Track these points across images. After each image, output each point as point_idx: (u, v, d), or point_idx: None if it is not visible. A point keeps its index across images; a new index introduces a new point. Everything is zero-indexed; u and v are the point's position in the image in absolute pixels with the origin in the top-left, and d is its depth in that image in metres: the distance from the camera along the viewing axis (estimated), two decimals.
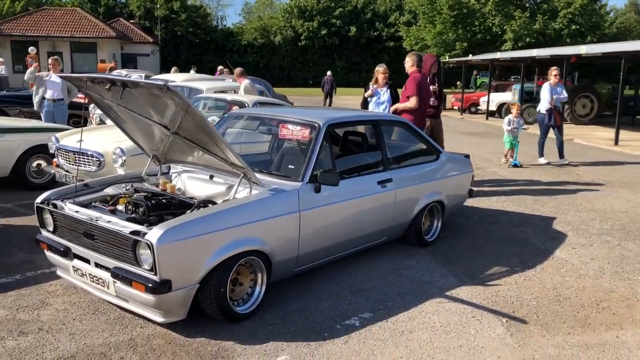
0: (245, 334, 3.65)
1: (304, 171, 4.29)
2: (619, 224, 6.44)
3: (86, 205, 4.14)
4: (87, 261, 3.84)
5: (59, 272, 4.28)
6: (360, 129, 5.33)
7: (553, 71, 10.47)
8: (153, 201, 4.02)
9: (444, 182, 5.67)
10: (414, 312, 4.05)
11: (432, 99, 7.79)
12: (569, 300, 4.34)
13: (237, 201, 3.88)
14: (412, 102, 6.85)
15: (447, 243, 5.69)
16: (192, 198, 4.28)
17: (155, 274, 3.37)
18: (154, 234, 3.35)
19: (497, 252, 5.43)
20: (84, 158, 6.24)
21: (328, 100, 25.54)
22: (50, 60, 9.48)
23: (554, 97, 10.37)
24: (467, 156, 6.22)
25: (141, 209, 3.93)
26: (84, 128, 7.71)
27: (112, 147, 6.04)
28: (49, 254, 4.15)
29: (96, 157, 6.13)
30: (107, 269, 3.69)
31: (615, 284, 4.68)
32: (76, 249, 3.88)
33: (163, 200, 4.11)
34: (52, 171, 6.62)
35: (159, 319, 3.57)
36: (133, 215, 3.84)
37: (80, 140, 5.57)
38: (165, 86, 3.38)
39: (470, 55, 25.61)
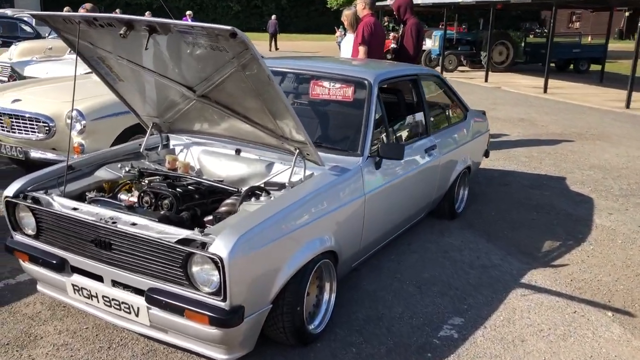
0: None
1: (362, 142, 3.39)
2: (633, 182, 6.12)
3: (79, 197, 3.02)
4: (97, 277, 2.76)
5: (40, 288, 3.13)
6: (400, 85, 4.45)
7: None
8: (179, 189, 2.98)
9: (471, 144, 4.97)
10: (506, 311, 3.37)
11: (393, 45, 7.02)
12: None
13: (305, 188, 2.92)
14: (360, 52, 6.01)
15: (472, 212, 5.05)
16: (221, 181, 3.27)
17: (224, 299, 2.40)
18: (222, 245, 2.35)
19: (534, 222, 4.87)
20: (25, 123, 4.87)
21: (274, 42, 26.75)
22: None
23: None
24: (484, 113, 5.56)
25: (166, 202, 2.89)
26: (15, 83, 6.20)
27: (65, 109, 4.72)
28: (29, 266, 2.99)
29: (43, 122, 4.78)
30: (133, 289, 2.65)
31: None
32: (78, 261, 2.77)
33: (190, 188, 3.07)
34: None
35: (220, 356, 2.60)
36: (165, 213, 2.79)
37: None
38: (233, 32, 2.33)
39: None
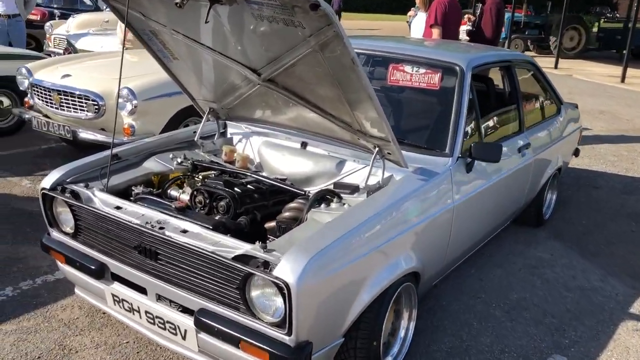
0: None
1: (451, 140, 2.86)
2: None
3: (124, 192, 2.62)
4: (140, 289, 2.36)
5: (79, 292, 2.77)
6: (490, 73, 3.88)
7: None
8: (237, 189, 2.54)
9: (564, 142, 4.35)
10: (617, 349, 2.81)
11: (467, 27, 6.40)
12: None
13: (386, 196, 2.43)
14: (434, 35, 5.48)
15: (560, 220, 4.45)
16: (284, 179, 2.82)
17: (289, 333, 1.95)
18: (289, 268, 1.90)
19: (634, 235, 4.24)
20: (74, 100, 4.54)
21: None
22: None
23: None
24: (576, 106, 4.91)
25: (222, 204, 2.46)
26: (67, 57, 5.92)
27: (114, 86, 4.35)
28: (66, 268, 2.63)
29: (93, 100, 4.43)
30: (181, 307, 2.25)
31: None
32: (120, 268, 2.38)
33: (249, 187, 2.63)
34: (26, 116, 4.89)
35: None
36: (221, 219, 2.36)
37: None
38: (315, 3, 1.85)
39: None
